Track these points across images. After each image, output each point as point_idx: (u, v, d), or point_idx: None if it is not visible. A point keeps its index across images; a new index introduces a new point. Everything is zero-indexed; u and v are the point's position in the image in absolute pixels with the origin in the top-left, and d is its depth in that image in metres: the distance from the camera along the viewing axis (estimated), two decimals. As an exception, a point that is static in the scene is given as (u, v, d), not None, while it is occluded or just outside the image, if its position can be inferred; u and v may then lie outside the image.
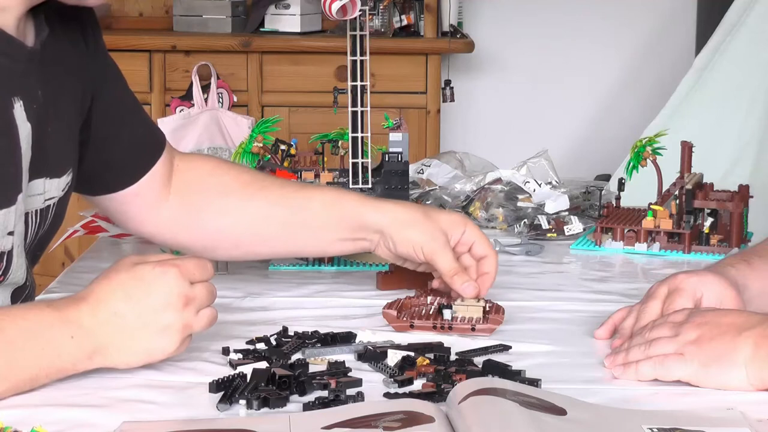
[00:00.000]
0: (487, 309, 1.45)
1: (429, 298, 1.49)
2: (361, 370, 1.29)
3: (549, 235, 1.95)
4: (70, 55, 1.42)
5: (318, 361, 1.31)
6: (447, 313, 1.44)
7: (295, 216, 1.56)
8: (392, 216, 1.52)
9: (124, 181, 1.54)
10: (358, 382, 1.24)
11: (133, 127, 1.55)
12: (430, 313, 1.46)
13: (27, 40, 1.34)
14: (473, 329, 1.41)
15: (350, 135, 1.75)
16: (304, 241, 1.58)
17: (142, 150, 1.56)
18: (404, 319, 1.43)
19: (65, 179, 1.43)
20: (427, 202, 2.08)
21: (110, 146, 1.52)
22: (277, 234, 1.57)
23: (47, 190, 1.40)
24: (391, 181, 1.77)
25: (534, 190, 2.06)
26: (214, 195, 1.58)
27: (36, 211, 1.39)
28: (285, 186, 1.59)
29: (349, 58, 1.71)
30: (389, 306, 1.45)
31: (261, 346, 1.37)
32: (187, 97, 3.91)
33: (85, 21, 1.45)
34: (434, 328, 1.42)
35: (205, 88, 3.90)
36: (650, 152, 1.92)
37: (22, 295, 1.41)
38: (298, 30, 4.02)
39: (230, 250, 1.60)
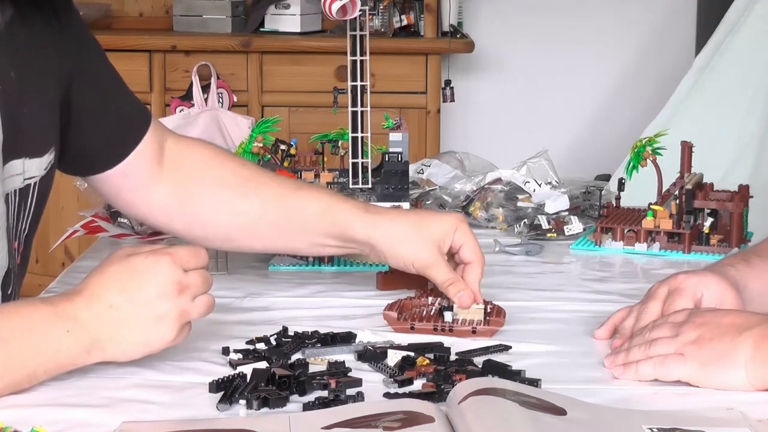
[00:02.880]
0: (488, 311, 1.45)
1: (429, 299, 1.49)
2: (361, 370, 1.29)
3: (549, 235, 1.95)
4: (42, 35, 1.41)
5: (318, 361, 1.31)
6: (448, 315, 1.44)
7: (288, 219, 1.56)
8: (382, 231, 1.51)
9: (110, 160, 1.52)
10: (358, 382, 1.24)
11: (115, 104, 1.53)
12: (431, 314, 1.45)
13: None
14: (474, 332, 1.41)
15: (350, 135, 1.75)
16: (296, 242, 1.58)
17: (127, 127, 1.54)
18: (405, 320, 1.43)
19: (47, 158, 1.41)
20: (427, 203, 2.08)
21: (94, 124, 1.50)
22: (269, 233, 1.57)
23: (26, 170, 1.38)
24: (391, 181, 1.77)
25: (534, 190, 2.06)
26: (209, 186, 1.57)
27: (15, 191, 1.38)
28: (282, 185, 1.58)
29: (349, 58, 1.71)
30: (390, 307, 1.45)
31: (261, 346, 1.37)
32: (187, 97, 3.91)
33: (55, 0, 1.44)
34: (435, 330, 1.42)
35: (205, 88, 3.91)
36: (650, 152, 1.92)
37: (10, 281, 1.40)
38: (298, 30, 4.02)
39: (223, 242, 1.60)
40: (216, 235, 1.58)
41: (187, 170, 1.57)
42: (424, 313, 1.46)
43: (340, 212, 1.54)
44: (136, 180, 1.54)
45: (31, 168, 1.39)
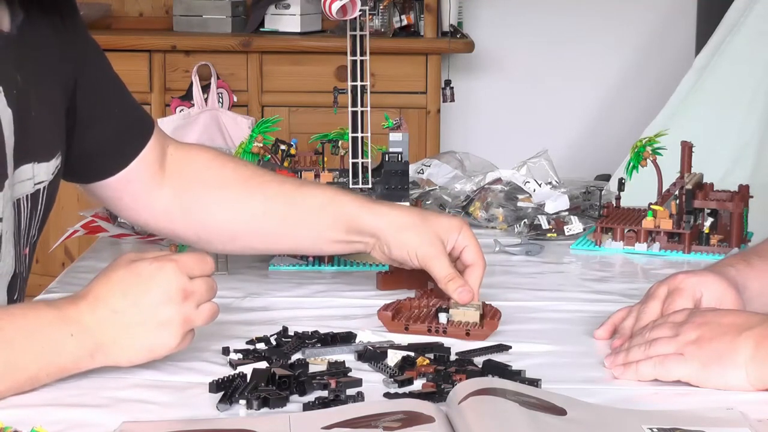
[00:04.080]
0: (484, 313, 1.45)
1: (428, 300, 1.49)
2: (361, 370, 1.29)
3: (549, 235, 1.95)
4: (49, 39, 1.41)
5: (318, 361, 1.31)
6: (443, 317, 1.43)
7: (292, 215, 1.56)
8: (388, 220, 1.51)
9: (113, 166, 1.53)
10: (358, 382, 1.24)
11: (119, 110, 1.53)
12: (426, 315, 1.45)
13: (2, 25, 1.34)
14: (468, 334, 1.41)
15: (350, 135, 1.75)
16: (300, 239, 1.58)
17: (130, 133, 1.54)
18: (399, 321, 1.43)
19: (54, 163, 1.42)
20: (427, 203, 2.08)
21: (97, 130, 1.50)
22: (273, 231, 1.57)
23: (36, 174, 1.39)
24: (391, 181, 1.77)
25: (534, 190, 2.06)
26: (211, 188, 1.57)
27: (26, 196, 1.39)
28: (284, 183, 1.59)
29: (349, 58, 1.71)
30: (385, 308, 1.45)
31: (261, 346, 1.37)
32: (187, 97, 3.91)
33: (61, 3, 1.44)
34: (429, 331, 1.42)
35: (205, 88, 3.91)
36: (650, 152, 1.92)
37: (16, 286, 1.40)
38: (298, 30, 4.02)
39: (226, 243, 1.60)
40: (220, 236, 1.58)
41: (189, 174, 1.57)
42: (420, 314, 1.46)
43: (345, 204, 1.54)
44: (139, 186, 1.54)
45: (40, 172, 1.40)
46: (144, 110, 1.59)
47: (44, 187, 1.41)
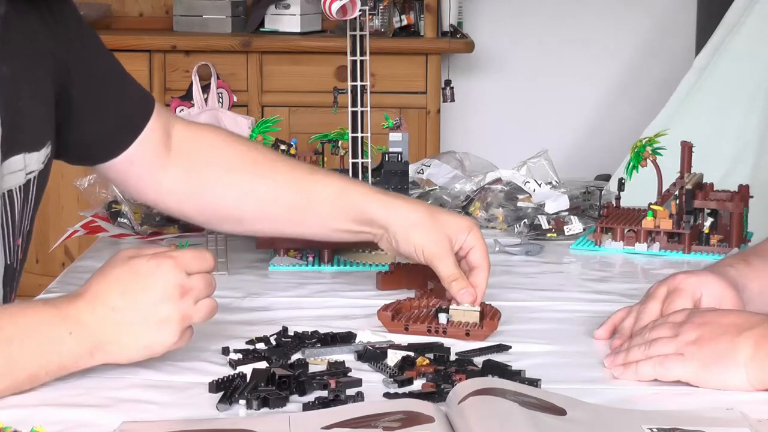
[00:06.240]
0: (484, 314, 1.45)
1: (428, 300, 1.49)
2: (361, 370, 1.29)
3: (549, 235, 1.95)
4: (37, 29, 1.41)
5: (318, 361, 1.31)
6: (442, 317, 1.43)
7: (302, 201, 1.56)
8: (398, 214, 1.51)
9: (114, 149, 1.53)
10: (358, 382, 1.24)
11: (116, 93, 1.53)
12: (426, 316, 1.45)
13: None
14: (467, 334, 1.41)
15: (350, 135, 1.75)
16: (309, 226, 1.58)
17: (129, 115, 1.54)
18: (399, 321, 1.43)
19: (44, 152, 1.42)
20: (427, 203, 2.07)
21: (95, 114, 1.50)
22: (282, 215, 1.57)
23: (27, 164, 1.39)
24: (391, 181, 1.77)
25: (534, 190, 2.06)
26: (221, 169, 1.57)
27: (19, 187, 1.39)
28: (295, 168, 1.59)
29: (349, 58, 1.72)
30: (385, 308, 1.45)
31: (261, 346, 1.37)
32: (187, 97, 3.91)
33: None
34: (428, 331, 1.42)
35: (205, 88, 3.90)
36: (650, 152, 1.92)
37: (10, 278, 1.40)
38: (298, 30, 4.02)
39: (234, 225, 1.60)
40: (227, 217, 1.58)
41: (196, 155, 1.57)
42: (420, 314, 1.46)
43: (356, 195, 1.54)
44: (143, 167, 1.54)
45: (31, 162, 1.40)
46: (144, 91, 1.58)
47: (35, 177, 1.41)
